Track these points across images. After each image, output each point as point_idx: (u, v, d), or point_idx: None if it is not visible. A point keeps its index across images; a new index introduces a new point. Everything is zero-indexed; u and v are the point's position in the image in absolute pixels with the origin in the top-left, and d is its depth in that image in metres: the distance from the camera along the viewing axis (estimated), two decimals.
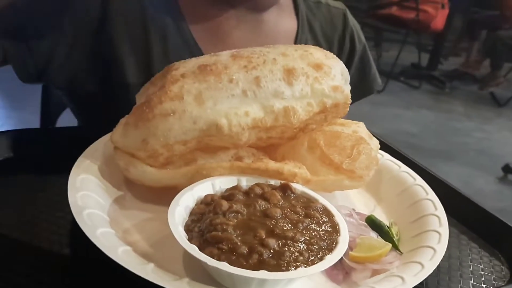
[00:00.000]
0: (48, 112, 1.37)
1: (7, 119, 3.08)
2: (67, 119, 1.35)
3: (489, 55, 5.07)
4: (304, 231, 0.52)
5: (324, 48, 1.01)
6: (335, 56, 0.72)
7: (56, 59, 0.85)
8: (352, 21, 1.08)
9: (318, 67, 0.67)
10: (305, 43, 0.99)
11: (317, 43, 1.01)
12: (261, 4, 0.93)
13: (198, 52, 0.90)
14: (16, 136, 0.76)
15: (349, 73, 0.74)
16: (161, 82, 0.63)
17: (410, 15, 4.56)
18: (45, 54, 0.84)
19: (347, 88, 0.70)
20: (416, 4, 4.48)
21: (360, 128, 0.72)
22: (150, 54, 0.88)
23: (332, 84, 0.67)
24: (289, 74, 0.64)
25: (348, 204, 0.68)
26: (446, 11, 4.76)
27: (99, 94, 0.90)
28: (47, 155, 0.72)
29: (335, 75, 0.69)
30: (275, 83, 0.63)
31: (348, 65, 1.03)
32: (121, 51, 0.87)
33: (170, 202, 0.54)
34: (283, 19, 0.98)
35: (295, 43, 0.99)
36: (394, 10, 4.72)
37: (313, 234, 0.52)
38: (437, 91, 4.90)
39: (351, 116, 0.75)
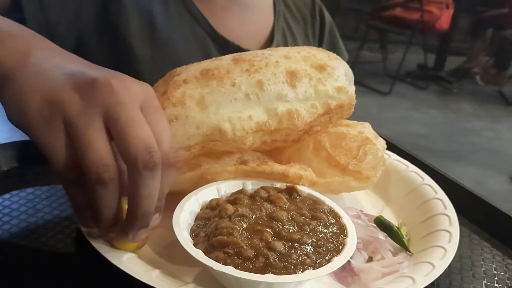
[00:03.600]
0: None
1: (15, 132, 3.10)
2: None
3: (495, 54, 5.03)
4: (311, 233, 0.51)
5: (299, 21, 1.06)
6: (338, 57, 0.72)
7: (66, 16, 0.85)
8: (318, 0, 1.15)
9: (321, 68, 0.67)
10: (283, 16, 1.05)
11: (292, 16, 1.08)
12: None
13: (194, 10, 0.93)
14: (22, 146, 0.76)
15: (322, 46, 0.71)
16: (163, 88, 0.63)
17: (415, 16, 4.55)
18: (57, 10, 0.84)
19: (352, 89, 0.69)
20: (420, 5, 4.47)
21: (365, 129, 0.72)
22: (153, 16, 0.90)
23: (336, 85, 0.67)
24: (292, 76, 0.64)
25: (356, 206, 0.67)
26: (451, 11, 4.74)
27: (105, 62, 0.92)
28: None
29: (339, 76, 0.68)
30: (278, 86, 0.63)
31: (321, 38, 1.11)
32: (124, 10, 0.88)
33: (175, 207, 0.53)
34: None
35: (274, 14, 1.04)
36: (398, 11, 4.71)
37: (320, 236, 0.51)
38: (444, 91, 4.87)
39: (357, 118, 0.74)
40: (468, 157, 3.34)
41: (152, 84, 0.59)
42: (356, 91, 0.69)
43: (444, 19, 4.66)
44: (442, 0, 4.65)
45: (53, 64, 0.46)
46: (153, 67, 0.89)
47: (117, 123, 0.42)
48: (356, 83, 0.71)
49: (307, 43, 1.08)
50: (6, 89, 0.44)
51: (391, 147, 0.82)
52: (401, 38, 5.00)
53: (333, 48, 1.14)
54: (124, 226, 0.47)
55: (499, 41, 4.82)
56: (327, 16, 1.14)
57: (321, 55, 0.70)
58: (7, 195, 0.65)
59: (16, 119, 0.44)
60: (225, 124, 0.60)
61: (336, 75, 0.67)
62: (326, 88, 0.65)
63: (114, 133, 0.42)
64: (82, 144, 0.41)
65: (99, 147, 0.41)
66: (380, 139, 0.72)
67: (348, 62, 0.73)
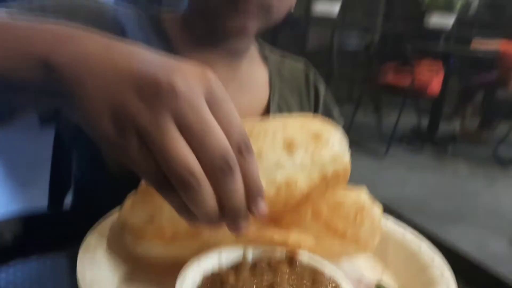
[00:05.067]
0: (57, 190, 1.39)
1: (16, 194, 3.10)
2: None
3: (483, 115, 5.18)
4: None
5: (294, 96, 1.11)
6: (333, 124, 0.75)
7: None
8: (312, 71, 1.19)
9: (317, 137, 0.69)
10: (279, 91, 1.09)
11: (287, 87, 1.12)
12: (235, 49, 1.01)
13: None
14: (23, 221, 0.77)
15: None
16: None
17: (406, 81, 4.70)
18: None
19: (347, 156, 0.72)
20: (411, 70, 4.63)
21: (362, 194, 0.73)
22: None
23: (332, 153, 0.69)
24: (289, 145, 0.66)
25: (355, 271, 0.68)
26: (441, 76, 4.91)
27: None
28: (54, 238, 0.73)
29: (334, 144, 0.71)
30: (276, 154, 0.65)
31: (316, 108, 1.15)
32: None
33: (175, 276, 0.54)
34: (254, 67, 1.10)
35: (270, 89, 1.08)
36: (390, 78, 4.87)
37: None
38: (439, 154, 4.93)
39: (353, 181, 0.76)
40: (467, 219, 3.32)
41: None
42: (352, 154, 0.71)
43: (435, 84, 4.82)
44: (432, 68, 4.83)
45: (111, 65, 0.43)
46: None
47: (189, 131, 0.41)
48: (352, 146, 0.73)
49: (302, 112, 1.12)
50: (72, 103, 0.43)
51: (388, 211, 0.83)
52: (396, 100, 5.14)
53: (328, 115, 1.19)
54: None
55: (489, 101, 4.97)
56: (322, 88, 1.18)
57: (317, 123, 0.73)
58: (11, 270, 0.65)
59: (94, 135, 0.43)
60: None
61: (331, 143, 0.70)
62: (322, 157, 0.68)
63: (189, 140, 0.41)
64: (162, 156, 0.40)
65: (179, 155, 0.40)
66: (377, 204, 0.73)
67: (343, 126, 0.76)
